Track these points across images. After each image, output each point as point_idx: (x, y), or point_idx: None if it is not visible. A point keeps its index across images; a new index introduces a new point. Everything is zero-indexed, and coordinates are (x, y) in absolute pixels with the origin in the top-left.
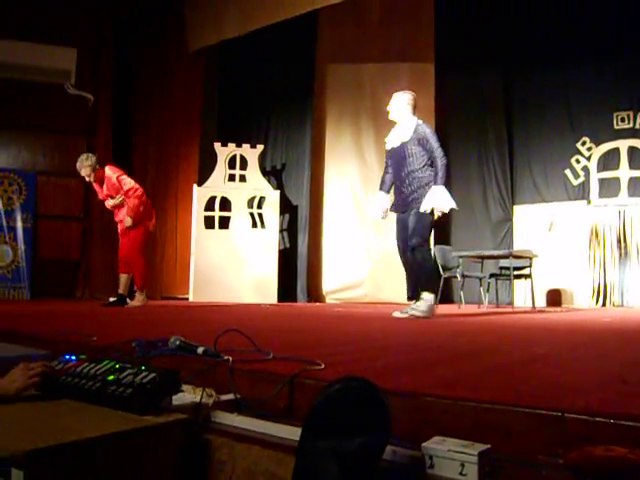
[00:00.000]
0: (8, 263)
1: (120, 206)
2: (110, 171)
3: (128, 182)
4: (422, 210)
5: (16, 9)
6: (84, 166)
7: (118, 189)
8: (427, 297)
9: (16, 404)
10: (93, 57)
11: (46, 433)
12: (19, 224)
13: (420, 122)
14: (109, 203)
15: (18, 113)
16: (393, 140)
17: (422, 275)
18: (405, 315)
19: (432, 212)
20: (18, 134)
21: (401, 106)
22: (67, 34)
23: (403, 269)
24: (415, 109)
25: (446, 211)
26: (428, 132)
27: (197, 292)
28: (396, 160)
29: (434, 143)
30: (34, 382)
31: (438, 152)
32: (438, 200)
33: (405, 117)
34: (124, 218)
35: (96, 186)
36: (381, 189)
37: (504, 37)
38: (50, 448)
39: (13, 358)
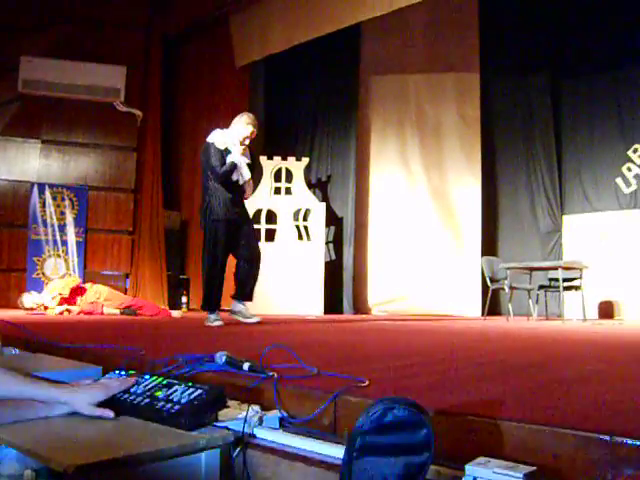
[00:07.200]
0: (61, 276)
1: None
2: None
3: None
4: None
5: (67, 30)
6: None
7: None
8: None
9: (72, 419)
10: (141, 74)
11: (97, 448)
12: (71, 238)
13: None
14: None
15: (70, 130)
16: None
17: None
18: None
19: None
20: (70, 150)
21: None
22: (116, 52)
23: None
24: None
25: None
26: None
27: None
28: None
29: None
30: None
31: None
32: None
33: None
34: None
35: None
36: None
37: (550, 43)
38: (100, 463)
39: (66, 373)
